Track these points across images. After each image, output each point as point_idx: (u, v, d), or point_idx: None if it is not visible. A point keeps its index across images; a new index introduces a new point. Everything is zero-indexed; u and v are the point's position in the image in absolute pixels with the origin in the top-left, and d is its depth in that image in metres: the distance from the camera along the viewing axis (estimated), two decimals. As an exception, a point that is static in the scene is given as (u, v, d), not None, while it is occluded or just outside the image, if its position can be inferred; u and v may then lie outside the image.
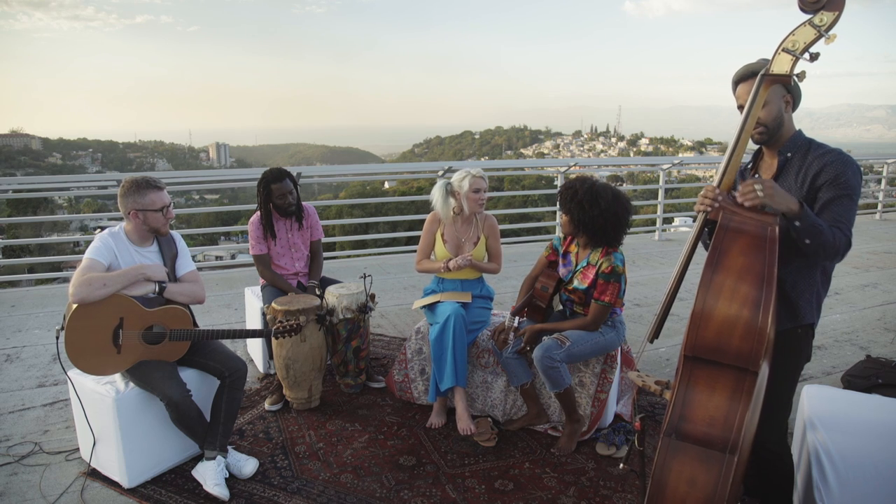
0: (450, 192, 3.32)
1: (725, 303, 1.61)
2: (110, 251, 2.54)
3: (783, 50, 1.74)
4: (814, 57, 1.72)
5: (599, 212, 2.78)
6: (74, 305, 2.40)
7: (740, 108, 1.91)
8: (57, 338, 2.49)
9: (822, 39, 1.69)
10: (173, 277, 2.69)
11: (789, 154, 1.96)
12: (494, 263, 3.40)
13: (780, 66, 1.75)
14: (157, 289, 2.55)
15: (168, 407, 2.51)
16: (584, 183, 2.84)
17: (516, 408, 3.17)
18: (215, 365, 2.68)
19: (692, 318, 1.64)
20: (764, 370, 1.82)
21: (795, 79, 1.78)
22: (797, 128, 1.99)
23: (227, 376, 2.65)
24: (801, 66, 1.74)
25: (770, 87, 1.83)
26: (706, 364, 1.67)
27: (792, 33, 1.72)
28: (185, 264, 2.75)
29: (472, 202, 3.28)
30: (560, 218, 3.07)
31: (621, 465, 2.33)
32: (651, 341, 2.08)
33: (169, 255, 2.70)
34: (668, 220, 8.94)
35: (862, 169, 1.99)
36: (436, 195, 3.35)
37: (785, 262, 1.92)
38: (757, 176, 2.02)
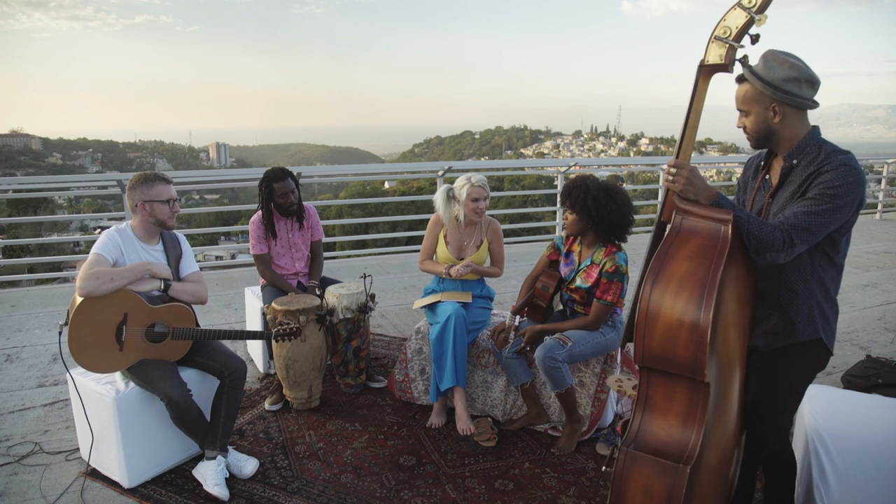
0: (451, 197, 3.31)
1: (667, 312, 1.60)
2: (116, 247, 2.55)
3: (715, 38, 1.67)
4: (754, 39, 1.66)
5: (616, 206, 2.79)
6: (79, 300, 2.41)
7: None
8: (60, 333, 2.49)
9: (755, 22, 1.62)
10: (177, 277, 2.70)
11: (794, 161, 1.82)
12: (496, 268, 3.38)
13: (713, 55, 1.68)
14: (162, 286, 2.57)
15: (168, 406, 2.51)
16: (595, 180, 2.84)
17: (516, 408, 3.17)
18: (215, 364, 2.68)
19: (637, 329, 1.64)
20: (729, 380, 1.79)
21: (740, 63, 1.72)
22: (811, 126, 1.81)
23: (226, 376, 2.65)
24: (750, 48, 1.67)
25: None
26: (660, 374, 1.67)
27: (723, 19, 1.66)
28: (189, 265, 2.76)
29: (470, 211, 3.26)
30: (562, 218, 3.06)
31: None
32: (622, 346, 2.05)
33: (173, 256, 2.72)
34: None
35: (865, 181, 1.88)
36: (438, 200, 3.33)
37: (776, 277, 1.88)
38: (768, 177, 1.94)
